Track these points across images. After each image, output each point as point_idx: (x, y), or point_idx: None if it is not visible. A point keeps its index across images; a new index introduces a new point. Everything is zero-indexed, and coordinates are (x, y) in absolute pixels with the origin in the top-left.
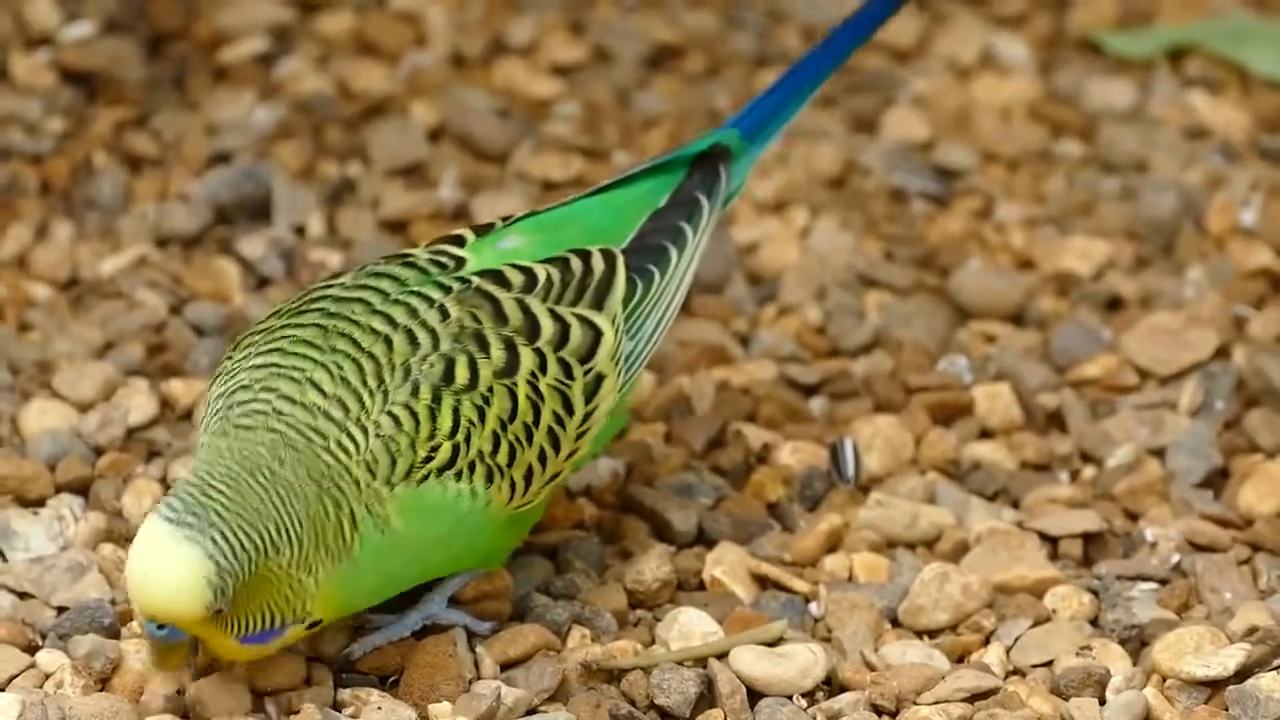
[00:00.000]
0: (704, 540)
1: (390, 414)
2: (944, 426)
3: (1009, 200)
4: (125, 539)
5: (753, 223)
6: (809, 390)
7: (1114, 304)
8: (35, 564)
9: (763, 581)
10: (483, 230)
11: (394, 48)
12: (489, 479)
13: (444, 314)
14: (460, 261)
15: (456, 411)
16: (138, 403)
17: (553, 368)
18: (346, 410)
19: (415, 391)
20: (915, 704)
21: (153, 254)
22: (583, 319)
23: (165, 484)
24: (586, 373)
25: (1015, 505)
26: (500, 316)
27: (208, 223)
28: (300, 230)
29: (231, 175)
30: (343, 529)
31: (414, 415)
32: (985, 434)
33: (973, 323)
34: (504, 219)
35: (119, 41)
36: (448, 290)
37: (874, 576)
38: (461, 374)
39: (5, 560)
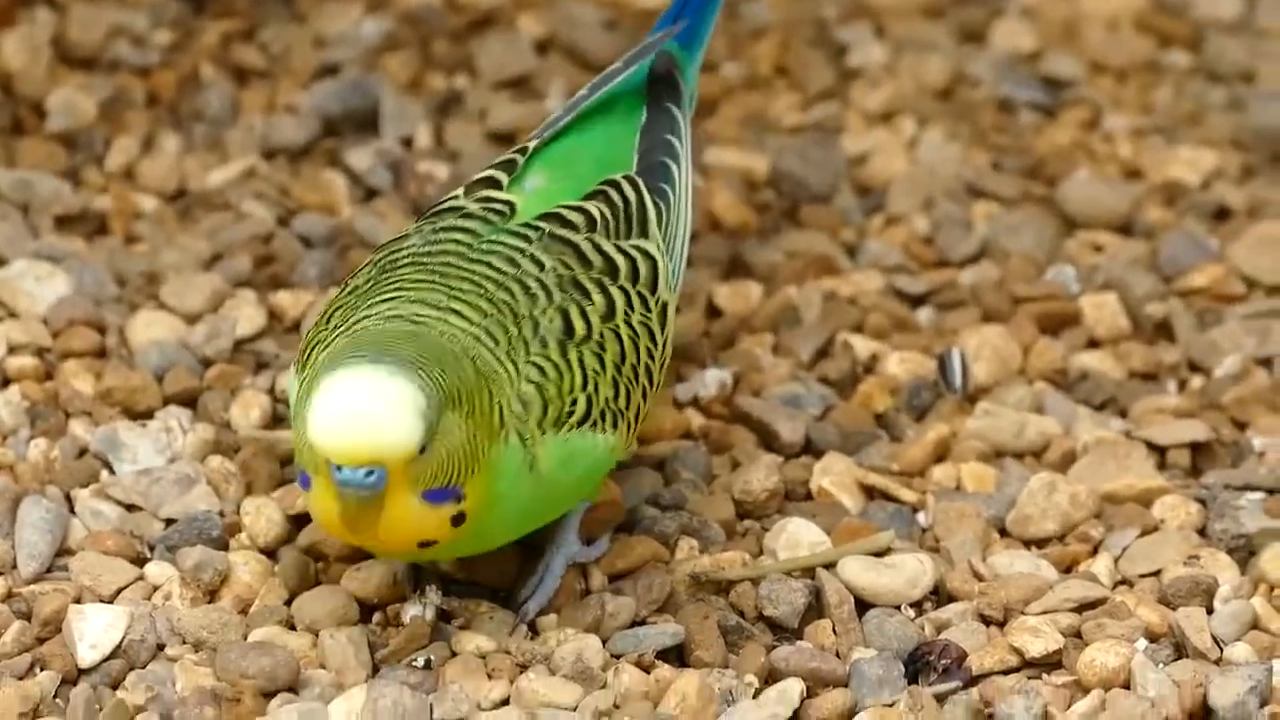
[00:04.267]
0: (811, 450)
1: (535, 364)
2: (1051, 336)
3: (1116, 110)
4: (233, 450)
5: (861, 133)
6: (916, 300)
7: (1221, 214)
8: (143, 476)
9: (870, 491)
10: (507, 168)
11: None
12: (615, 424)
13: (539, 264)
14: (511, 206)
15: (582, 363)
16: (245, 314)
17: (636, 304)
18: (496, 341)
19: (545, 345)
20: (1023, 614)
21: (260, 166)
22: (640, 250)
23: (273, 395)
24: (656, 302)
25: (1123, 415)
26: (583, 260)
27: (315, 135)
28: (408, 142)
29: (339, 87)
30: (497, 419)
31: (556, 368)
32: (1093, 343)
33: (1080, 232)
34: (517, 152)
35: None
36: (526, 239)
37: (982, 486)
38: (578, 325)
39: (113, 472)
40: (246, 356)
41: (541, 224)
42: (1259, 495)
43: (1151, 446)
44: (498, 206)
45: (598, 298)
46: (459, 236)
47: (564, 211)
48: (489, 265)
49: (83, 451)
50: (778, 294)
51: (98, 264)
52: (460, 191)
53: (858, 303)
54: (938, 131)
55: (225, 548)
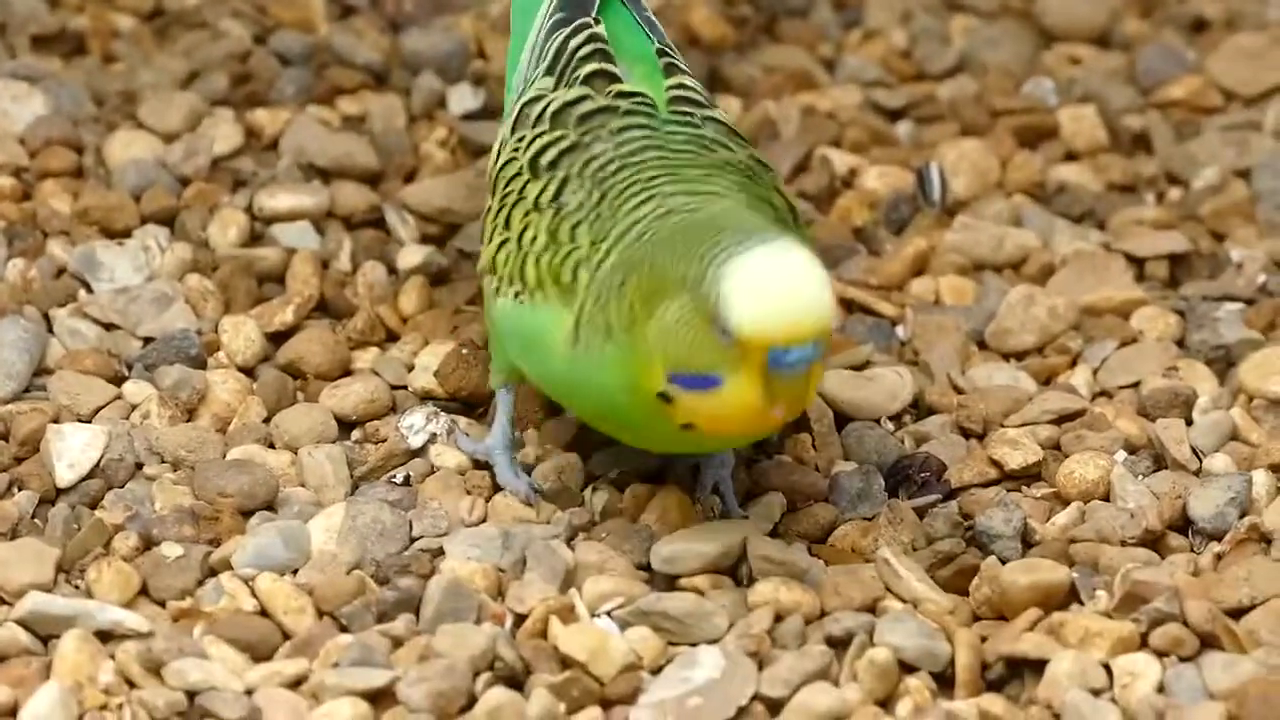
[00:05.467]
0: None
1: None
2: (1029, 149)
3: None
4: (211, 268)
5: None
6: (895, 114)
7: (1199, 25)
8: (121, 295)
9: (849, 305)
10: (608, 58)
11: None
12: None
13: (727, 148)
14: (649, 99)
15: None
16: (223, 132)
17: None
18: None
19: (787, 226)
20: (1002, 426)
21: None
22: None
23: (251, 213)
24: None
25: (1101, 227)
26: (739, 137)
27: None
28: None
29: None
30: None
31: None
32: (1071, 156)
33: (1058, 45)
34: (591, 39)
35: None
36: (694, 126)
37: (960, 299)
38: (791, 201)
39: (91, 291)
40: (224, 174)
41: (689, 110)
42: (1237, 306)
43: (1130, 258)
44: (642, 101)
45: (771, 170)
46: (640, 135)
47: (686, 93)
48: (697, 155)
49: (60, 271)
50: (756, 109)
51: (75, 83)
52: (585, 90)
53: (836, 117)
54: None
55: (203, 366)
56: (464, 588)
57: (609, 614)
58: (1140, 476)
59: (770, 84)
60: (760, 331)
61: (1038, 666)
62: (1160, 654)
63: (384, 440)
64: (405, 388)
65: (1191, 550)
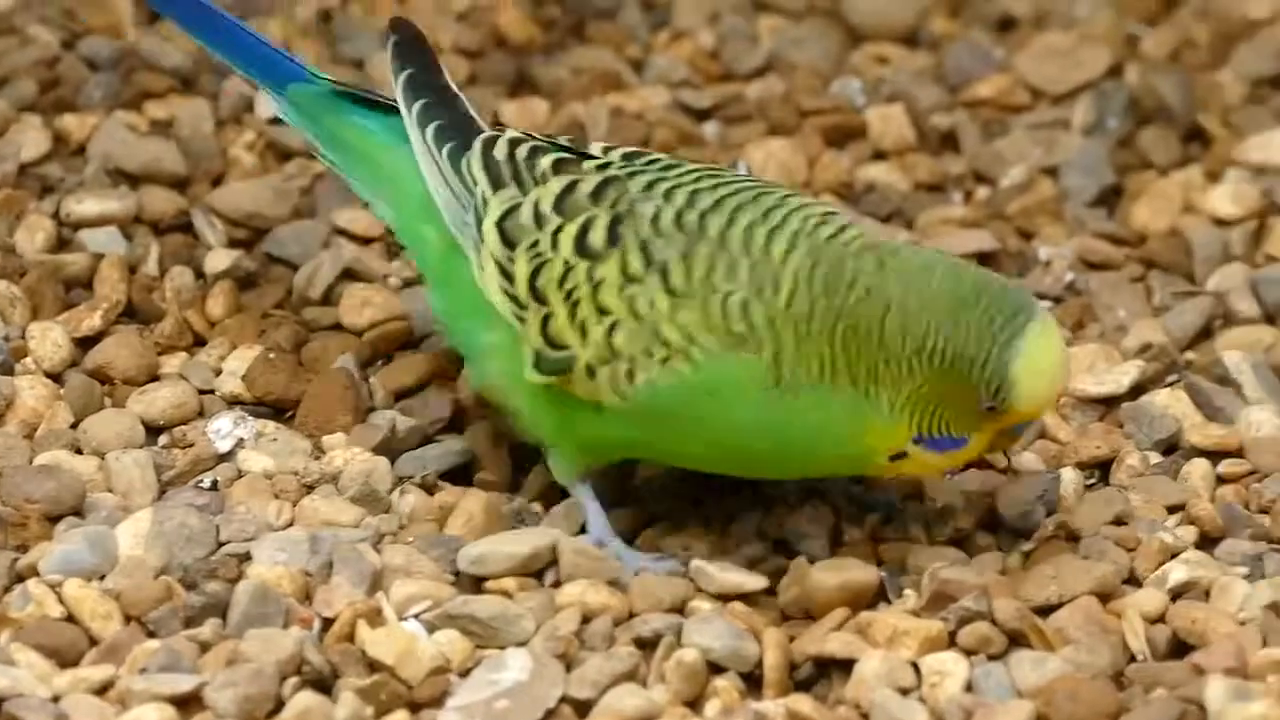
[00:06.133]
0: None
1: None
2: (837, 149)
3: None
4: (18, 274)
5: None
6: (702, 115)
7: (1007, 23)
8: None
9: None
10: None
11: None
12: None
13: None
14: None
15: None
16: (31, 138)
17: None
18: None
19: None
20: None
21: None
22: None
23: (58, 219)
24: None
25: (909, 226)
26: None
27: None
28: None
29: None
30: None
31: None
32: (879, 155)
33: (865, 45)
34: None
35: None
36: (672, 166)
37: None
38: None
39: None
40: (32, 181)
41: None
42: (1046, 304)
43: None
44: (622, 164)
45: None
46: (671, 186)
47: (626, 150)
48: (737, 183)
49: None
50: (564, 110)
51: None
52: (568, 177)
53: (644, 118)
54: None
55: (11, 372)
56: (271, 592)
57: (416, 617)
58: (949, 475)
59: (578, 85)
60: (1036, 408)
61: (846, 666)
62: (968, 652)
63: (192, 445)
64: (213, 392)
65: (999, 549)
